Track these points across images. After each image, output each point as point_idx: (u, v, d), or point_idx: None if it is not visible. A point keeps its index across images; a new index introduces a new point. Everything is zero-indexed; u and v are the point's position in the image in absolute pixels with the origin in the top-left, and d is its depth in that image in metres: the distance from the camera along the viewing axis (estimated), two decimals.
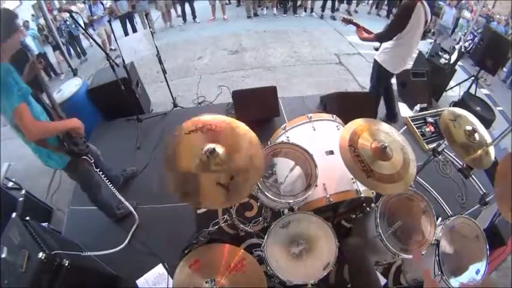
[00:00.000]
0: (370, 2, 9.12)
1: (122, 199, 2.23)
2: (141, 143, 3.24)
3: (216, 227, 2.25)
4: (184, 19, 7.94)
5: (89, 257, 1.96)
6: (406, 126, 3.36)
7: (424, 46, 5.02)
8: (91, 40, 2.99)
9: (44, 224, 2.04)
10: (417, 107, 3.66)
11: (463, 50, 4.37)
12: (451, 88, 4.42)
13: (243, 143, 1.44)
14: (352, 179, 1.85)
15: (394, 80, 3.21)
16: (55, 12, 7.25)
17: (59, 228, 2.51)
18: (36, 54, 5.59)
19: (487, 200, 2.37)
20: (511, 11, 7.58)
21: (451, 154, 3.03)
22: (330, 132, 2.10)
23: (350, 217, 2.16)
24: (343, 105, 3.11)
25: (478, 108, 3.74)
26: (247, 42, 6.43)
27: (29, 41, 5.69)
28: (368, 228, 1.85)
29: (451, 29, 7.96)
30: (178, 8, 7.99)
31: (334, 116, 2.26)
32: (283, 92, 4.08)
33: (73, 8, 6.87)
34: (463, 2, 8.18)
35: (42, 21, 6.32)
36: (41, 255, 1.53)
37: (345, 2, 8.54)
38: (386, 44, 2.78)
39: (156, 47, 3.34)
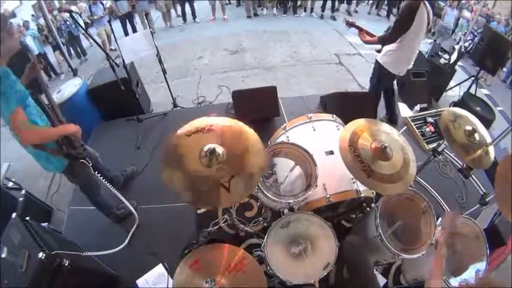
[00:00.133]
0: (370, 2, 9.12)
1: (123, 199, 2.23)
2: (141, 143, 3.24)
3: (216, 227, 2.25)
4: (184, 19, 7.94)
5: (89, 257, 1.96)
6: (406, 126, 3.37)
7: (424, 46, 5.01)
8: (91, 40, 2.99)
9: (44, 224, 2.03)
10: (417, 107, 3.66)
11: (463, 50, 4.38)
12: (451, 88, 4.42)
13: (245, 143, 1.44)
14: (352, 179, 1.85)
15: (394, 81, 3.19)
16: (55, 12, 7.27)
17: (59, 228, 2.51)
18: (36, 54, 5.60)
19: (487, 200, 2.37)
20: (511, 11, 7.58)
21: (451, 154, 3.03)
22: (330, 132, 2.10)
23: (350, 217, 2.17)
24: (343, 105, 3.11)
25: (478, 108, 3.75)
26: (247, 42, 6.43)
27: (29, 41, 5.69)
28: (368, 228, 1.85)
29: (452, 29, 7.97)
30: (178, 8, 7.99)
31: (334, 116, 2.26)
32: (283, 92, 4.07)
33: (73, 8, 6.89)
34: (463, 2, 8.19)
35: (42, 21, 6.32)
36: (41, 255, 1.53)
37: (345, 2, 8.55)
38: (389, 46, 2.76)
39: (156, 47, 3.34)
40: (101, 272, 2.04)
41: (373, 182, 1.55)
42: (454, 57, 4.18)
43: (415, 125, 3.31)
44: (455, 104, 3.93)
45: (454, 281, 1.60)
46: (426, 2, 2.52)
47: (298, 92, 4.47)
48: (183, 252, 1.99)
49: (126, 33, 6.64)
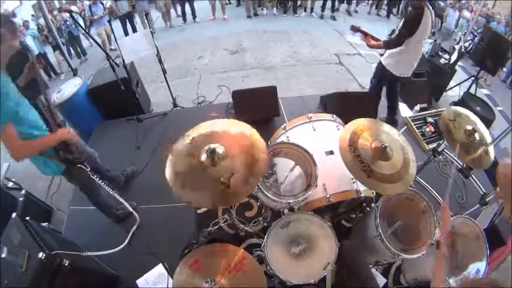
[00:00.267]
0: (370, 2, 9.12)
1: (123, 201, 2.23)
2: (141, 143, 3.24)
3: (216, 227, 2.25)
4: (184, 19, 7.94)
5: (89, 257, 1.96)
6: (406, 126, 3.36)
7: (424, 46, 5.02)
8: (91, 40, 2.99)
9: (44, 224, 2.03)
10: (417, 107, 3.66)
11: (463, 50, 4.38)
12: (451, 88, 4.42)
13: (245, 143, 1.44)
14: (352, 179, 1.85)
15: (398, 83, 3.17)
16: (55, 12, 7.27)
17: (59, 228, 2.51)
18: (36, 54, 5.60)
19: (487, 200, 2.37)
20: (511, 11, 7.58)
21: (451, 154, 3.03)
22: (330, 132, 2.10)
23: (350, 217, 2.16)
24: (343, 105, 3.11)
25: (478, 108, 3.74)
26: (247, 42, 6.43)
27: (29, 41, 5.69)
28: (368, 228, 1.85)
29: (454, 31, 7.98)
30: (178, 8, 7.99)
31: (334, 116, 2.26)
32: (283, 92, 4.07)
33: (73, 8, 6.89)
34: (463, 1, 8.19)
35: (42, 21, 6.32)
36: (41, 255, 1.53)
37: (345, 2, 8.54)
38: (393, 49, 2.76)
39: (156, 47, 3.34)
40: (101, 272, 2.04)
41: (373, 182, 1.55)
42: (454, 57, 4.18)
43: (415, 125, 3.31)
44: (455, 104, 3.93)
45: (454, 281, 1.60)
46: (429, 5, 2.52)
47: (298, 92, 4.47)
48: (183, 252, 1.99)
49: (126, 33, 6.64)
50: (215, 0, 7.83)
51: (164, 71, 3.60)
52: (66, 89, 3.32)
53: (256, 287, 1.36)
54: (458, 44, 4.71)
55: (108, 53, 3.19)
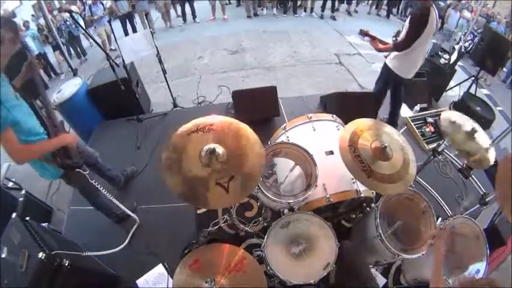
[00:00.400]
0: (370, 2, 9.12)
1: (120, 205, 2.23)
2: (141, 143, 3.24)
3: (216, 227, 2.25)
4: (184, 19, 7.94)
5: (89, 257, 1.96)
6: (406, 126, 3.37)
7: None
8: (91, 40, 2.99)
9: (44, 224, 2.04)
10: (417, 107, 3.66)
11: (463, 50, 4.37)
12: (451, 88, 4.42)
13: (244, 143, 1.44)
14: (352, 179, 1.85)
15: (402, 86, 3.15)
16: (55, 12, 7.27)
17: (59, 228, 2.51)
18: (36, 54, 5.59)
19: (487, 200, 2.37)
20: (511, 10, 7.58)
21: (451, 154, 3.03)
22: (330, 133, 2.10)
23: (350, 217, 2.17)
24: (343, 105, 3.11)
25: (478, 108, 3.75)
26: (247, 42, 6.43)
27: (29, 41, 5.68)
28: (368, 228, 1.85)
29: (454, 31, 7.98)
30: (178, 8, 7.99)
31: (334, 116, 2.26)
32: (283, 92, 4.07)
33: (73, 8, 6.89)
34: (463, 1, 8.19)
35: (42, 21, 6.32)
36: (41, 255, 1.53)
37: (345, 2, 8.54)
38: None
39: (156, 47, 3.34)
40: (101, 272, 2.04)
41: (373, 182, 1.55)
42: (454, 57, 4.18)
43: (415, 125, 3.31)
44: (455, 104, 3.94)
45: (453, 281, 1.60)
46: (434, 6, 2.51)
47: (298, 92, 4.47)
48: (183, 252, 2.00)
49: (126, 33, 6.64)
50: (215, 0, 7.83)
51: (164, 71, 3.61)
52: (66, 89, 3.32)
53: (256, 287, 1.36)
54: (458, 44, 4.71)
55: (108, 53, 3.19)
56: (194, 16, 7.90)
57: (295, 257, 1.60)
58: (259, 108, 3.21)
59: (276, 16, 8.14)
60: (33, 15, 7.42)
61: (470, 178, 2.76)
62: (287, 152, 1.89)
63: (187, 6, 7.81)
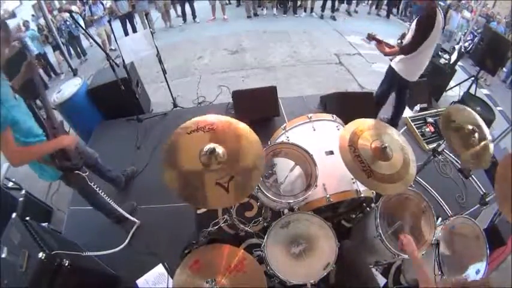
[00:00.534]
0: (370, 2, 9.12)
1: (119, 209, 2.24)
2: (141, 143, 3.24)
3: (216, 227, 2.25)
4: (184, 19, 7.94)
5: (89, 257, 1.96)
6: (406, 126, 3.37)
7: None
8: (91, 40, 2.99)
9: (44, 224, 2.03)
10: (417, 107, 3.66)
11: (463, 50, 4.37)
12: (451, 88, 4.42)
13: (244, 143, 1.44)
14: (352, 179, 1.85)
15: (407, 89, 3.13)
16: (55, 12, 7.26)
17: (59, 228, 2.51)
18: (35, 54, 5.59)
19: (487, 200, 2.37)
20: (511, 11, 7.58)
21: (451, 154, 3.03)
22: (330, 132, 2.10)
23: (350, 217, 2.17)
24: (343, 105, 3.11)
25: (478, 108, 3.74)
26: (247, 42, 6.43)
27: (28, 42, 5.68)
28: (368, 228, 1.85)
29: (454, 31, 7.98)
30: (178, 8, 7.99)
31: (334, 116, 2.26)
32: (283, 92, 4.07)
33: (73, 8, 6.89)
34: (463, 1, 8.18)
35: (42, 21, 6.32)
36: (41, 255, 1.53)
37: (345, 2, 8.54)
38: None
39: (156, 47, 3.34)
40: (101, 272, 2.04)
41: (373, 182, 1.55)
42: (454, 57, 4.18)
43: (415, 125, 3.31)
44: (455, 104, 3.93)
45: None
46: (439, 8, 2.50)
47: (298, 92, 4.47)
48: (183, 252, 2.00)
49: (126, 33, 6.64)
50: (215, 1, 7.83)
51: (164, 71, 3.61)
52: (66, 89, 3.32)
53: (256, 287, 1.36)
54: (458, 44, 4.71)
55: (108, 53, 3.18)
56: (194, 16, 7.90)
57: (295, 257, 1.60)
58: (259, 108, 3.21)
59: (276, 16, 8.13)
60: (33, 15, 7.42)
61: (470, 178, 2.77)
62: (287, 152, 1.89)
63: (187, 6, 7.81)
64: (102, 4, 6.60)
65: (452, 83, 4.41)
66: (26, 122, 1.61)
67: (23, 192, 2.69)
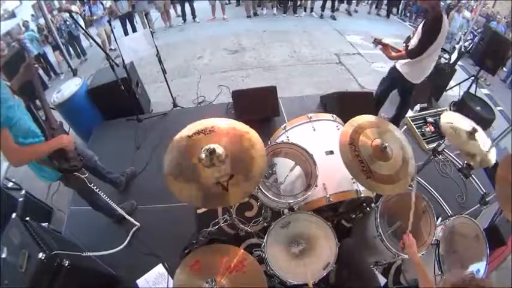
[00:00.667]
0: (370, 2, 9.12)
1: (119, 209, 2.24)
2: (141, 143, 3.24)
3: (216, 227, 2.25)
4: (184, 19, 7.94)
5: (89, 257, 1.96)
6: (406, 126, 3.36)
7: None
8: (91, 40, 2.99)
9: (44, 224, 2.03)
10: (417, 107, 3.66)
11: (463, 49, 4.37)
12: (451, 88, 4.42)
13: (244, 143, 1.44)
14: (352, 179, 1.85)
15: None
16: (55, 12, 7.25)
17: (59, 228, 2.51)
18: (35, 54, 5.58)
19: (487, 199, 2.37)
20: (511, 11, 7.58)
21: (451, 154, 3.03)
22: (330, 132, 2.10)
23: (350, 217, 2.17)
24: (343, 105, 3.11)
25: (478, 108, 3.74)
26: (247, 42, 6.43)
27: (27, 43, 5.67)
28: (368, 228, 1.85)
29: (456, 33, 7.97)
30: (178, 8, 7.99)
31: (334, 116, 2.26)
32: (283, 92, 4.07)
33: (73, 8, 6.88)
34: (463, 1, 8.18)
35: (42, 21, 6.32)
36: (41, 255, 1.53)
37: (345, 2, 8.54)
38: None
39: (156, 47, 3.34)
40: (100, 272, 2.04)
41: (372, 182, 1.55)
42: (454, 57, 4.18)
43: (415, 125, 3.31)
44: (455, 104, 3.94)
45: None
46: (444, 10, 2.49)
47: (298, 92, 4.46)
48: (183, 252, 2.00)
49: (126, 33, 6.63)
50: (215, 0, 7.83)
51: (164, 71, 3.60)
52: (66, 89, 3.32)
53: (256, 287, 1.36)
54: (458, 43, 4.71)
55: (108, 53, 3.18)
56: (194, 16, 7.89)
57: (295, 257, 1.60)
58: (259, 108, 3.21)
59: (276, 16, 8.13)
60: (33, 15, 7.43)
61: (470, 178, 2.76)
62: (287, 152, 1.89)
63: (187, 6, 7.81)
64: (102, 4, 6.60)
65: (452, 83, 4.41)
66: (25, 122, 1.61)
67: (23, 192, 2.68)
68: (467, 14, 7.94)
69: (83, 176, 1.88)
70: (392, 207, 1.80)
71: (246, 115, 2.91)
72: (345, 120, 2.09)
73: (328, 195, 1.80)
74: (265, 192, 1.68)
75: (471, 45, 5.98)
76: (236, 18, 7.99)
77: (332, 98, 3.36)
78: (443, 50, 4.37)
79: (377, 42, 2.77)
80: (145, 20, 6.15)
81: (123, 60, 3.10)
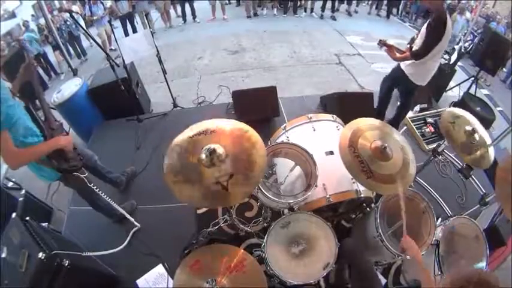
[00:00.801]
0: (370, 2, 9.12)
1: (120, 208, 2.23)
2: (141, 143, 3.24)
3: (216, 227, 2.25)
4: (184, 19, 7.94)
5: (88, 257, 1.96)
6: (406, 127, 3.37)
7: None
8: (91, 40, 2.99)
9: (44, 224, 2.03)
10: (417, 108, 3.66)
11: (463, 50, 4.37)
12: (451, 88, 4.42)
13: (244, 143, 1.44)
14: (352, 179, 1.85)
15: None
16: (55, 12, 7.26)
17: (59, 228, 2.51)
18: (35, 54, 5.58)
19: (487, 200, 2.37)
20: (511, 11, 7.58)
21: (451, 154, 3.03)
22: (330, 133, 2.10)
23: (350, 217, 2.16)
24: (343, 106, 3.11)
25: (478, 109, 3.74)
26: (247, 42, 6.43)
27: (26, 44, 5.66)
28: (368, 229, 1.85)
29: (458, 36, 7.97)
30: (178, 8, 7.99)
31: (334, 116, 2.26)
32: (283, 92, 4.07)
33: (73, 8, 6.89)
34: (463, 1, 8.18)
35: (42, 21, 6.32)
36: (40, 255, 1.53)
37: (345, 2, 8.54)
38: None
39: (156, 47, 3.34)
40: (100, 272, 2.04)
41: (372, 182, 1.55)
42: (454, 57, 4.18)
43: (415, 125, 3.31)
44: (455, 104, 3.93)
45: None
46: (448, 12, 2.48)
47: (298, 92, 4.46)
48: (183, 252, 2.00)
49: (126, 34, 6.64)
50: (215, 0, 7.83)
51: (164, 71, 3.60)
52: (66, 89, 3.32)
53: (256, 287, 1.36)
54: (458, 44, 4.71)
55: (108, 53, 3.18)
56: (194, 16, 7.90)
57: (295, 257, 1.60)
58: (259, 108, 3.21)
59: (276, 16, 8.13)
60: (33, 15, 7.43)
61: (470, 178, 2.76)
62: (287, 152, 1.89)
63: (187, 6, 7.81)
64: (103, 4, 6.60)
65: (452, 83, 4.41)
66: (24, 121, 1.61)
67: (23, 192, 2.69)
68: (467, 14, 7.93)
69: (82, 175, 1.88)
70: (392, 208, 1.80)
71: (246, 115, 2.91)
72: (345, 120, 2.10)
73: (328, 196, 1.80)
74: (265, 193, 1.68)
75: (471, 45, 5.98)
76: (236, 19, 7.99)
77: (332, 99, 3.36)
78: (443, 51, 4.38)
79: (382, 43, 2.76)
80: (146, 21, 6.16)
81: (123, 61, 3.10)
